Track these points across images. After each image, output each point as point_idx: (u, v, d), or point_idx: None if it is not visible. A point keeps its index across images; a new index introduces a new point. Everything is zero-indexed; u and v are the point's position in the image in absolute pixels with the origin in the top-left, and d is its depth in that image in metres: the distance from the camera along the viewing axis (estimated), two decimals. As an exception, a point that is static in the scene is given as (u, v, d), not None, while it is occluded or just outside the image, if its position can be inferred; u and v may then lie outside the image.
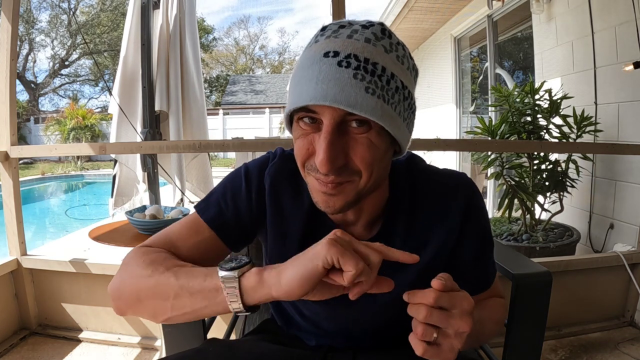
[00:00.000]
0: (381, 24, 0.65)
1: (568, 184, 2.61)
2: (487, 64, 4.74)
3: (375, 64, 0.61)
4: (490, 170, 2.85)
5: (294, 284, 0.57)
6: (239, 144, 2.25)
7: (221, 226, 0.80)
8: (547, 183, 2.65)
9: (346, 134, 0.63)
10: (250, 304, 0.63)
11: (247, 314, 0.64)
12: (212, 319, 1.13)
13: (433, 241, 0.79)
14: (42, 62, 33.46)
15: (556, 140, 2.58)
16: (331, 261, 0.55)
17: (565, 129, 2.55)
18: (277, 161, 0.82)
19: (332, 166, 0.62)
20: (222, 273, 0.62)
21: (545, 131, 2.61)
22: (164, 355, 0.85)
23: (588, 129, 2.51)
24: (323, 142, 0.61)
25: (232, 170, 0.86)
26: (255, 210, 0.81)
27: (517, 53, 5.05)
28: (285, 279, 0.58)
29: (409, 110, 0.67)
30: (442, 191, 0.80)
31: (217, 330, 1.19)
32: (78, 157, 14.09)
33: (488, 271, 0.87)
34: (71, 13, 22.59)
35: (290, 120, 0.70)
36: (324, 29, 0.67)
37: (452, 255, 0.81)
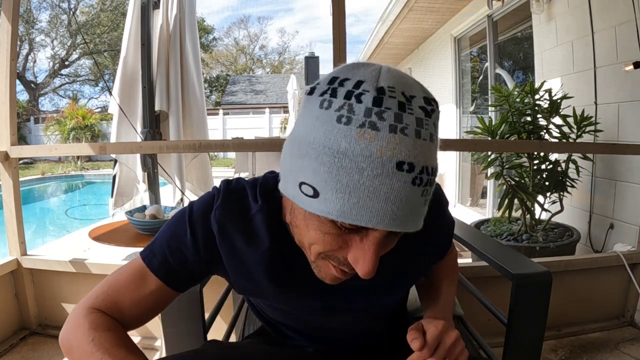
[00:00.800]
0: (435, 102, 0.55)
1: (568, 184, 2.61)
2: (487, 64, 4.74)
3: (435, 169, 0.54)
4: (490, 170, 2.85)
5: None
6: (239, 144, 2.25)
7: (169, 276, 0.75)
8: (547, 183, 2.65)
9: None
10: None
11: None
12: (212, 320, 1.13)
13: (419, 254, 0.81)
14: (42, 62, 33.51)
15: (556, 140, 2.58)
16: None
17: (565, 129, 2.56)
18: (220, 203, 0.74)
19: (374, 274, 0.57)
20: None
21: (545, 131, 2.61)
22: (164, 355, 0.85)
23: (588, 129, 2.51)
24: (372, 254, 0.55)
25: (177, 211, 0.79)
26: (205, 257, 0.75)
27: (517, 53, 5.05)
28: None
29: None
30: None
31: (217, 331, 1.19)
32: (78, 157, 14.09)
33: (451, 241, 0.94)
34: (71, 13, 22.59)
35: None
36: (381, 92, 0.51)
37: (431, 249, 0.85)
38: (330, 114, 0.51)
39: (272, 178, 0.75)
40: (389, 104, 0.50)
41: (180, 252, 0.75)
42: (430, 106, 0.53)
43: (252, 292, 0.81)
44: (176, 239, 0.75)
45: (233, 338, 1.28)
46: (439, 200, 0.80)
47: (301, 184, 0.54)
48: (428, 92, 0.56)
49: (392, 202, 0.50)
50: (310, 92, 0.56)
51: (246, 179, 0.79)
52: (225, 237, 0.74)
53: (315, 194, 0.52)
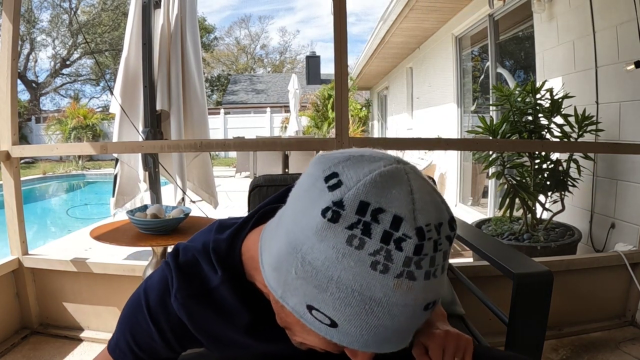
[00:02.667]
0: (455, 221, 0.53)
1: (569, 183, 2.61)
2: (488, 63, 4.74)
3: None
4: (491, 170, 2.85)
5: None
6: (240, 144, 2.25)
7: None
8: (548, 182, 2.64)
9: None
10: None
11: None
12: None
13: None
14: (43, 62, 33.52)
15: (557, 140, 2.58)
16: None
17: (567, 129, 2.55)
18: (177, 284, 0.68)
19: None
20: None
21: (546, 130, 2.60)
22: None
23: (589, 128, 2.51)
24: (373, 354, 0.54)
25: (131, 300, 0.73)
26: (177, 344, 0.72)
27: (518, 52, 5.05)
28: None
29: None
30: None
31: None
32: (79, 157, 14.09)
33: None
34: (72, 12, 22.61)
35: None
36: (421, 236, 0.47)
37: None
38: (363, 257, 0.46)
39: (223, 241, 0.69)
40: (427, 249, 0.47)
41: (149, 346, 0.71)
42: (453, 231, 0.51)
43: (236, 353, 0.77)
44: (141, 334, 0.70)
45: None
46: None
47: (312, 308, 0.50)
48: (448, 207, 0.53)
49: (411, 331, 0.52)
50: (333, 219, 0.47)
51: (193, 244, 0.72)
52: (196, 321, 0.68)
53: (333, 325, 0.49)
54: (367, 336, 0.49)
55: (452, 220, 0.51)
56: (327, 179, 0.50)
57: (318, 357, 0.69)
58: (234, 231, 0.70)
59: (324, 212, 0.47)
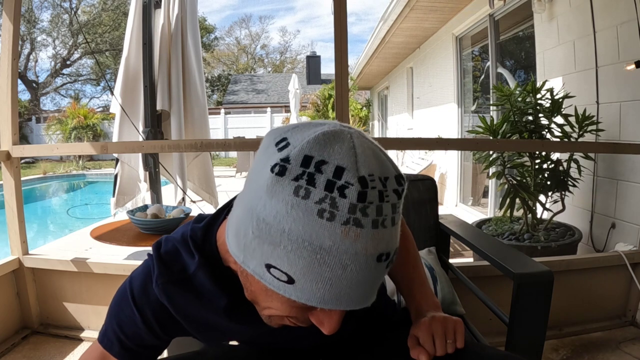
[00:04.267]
0: (403, 178, 0.55)
1: (570, 183, 2.60)
2: (489, 63, 4.74)
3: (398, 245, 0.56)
4: (491, 170, 2.85)
5: None
6: (240, 144, 2.25)
7: (133, 357, 0.75)
8: (548, 182, 2.64)
9: None
10: None
11: None
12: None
13: None
14: (43, 62, 33.61)
15: (558, 140, 2.58)
16: None
17: (567, 129, 2.55)
18: (157, 271, 0.71)
19: None
20: None
21: (546, 130, 2.60)
22: (164, 356, 0.85)
23: (590, 128, 2.51)
24: (338, 317, 0.56)
25: (118, 292, 0.77)
26: (161, 331, 0.74)
27: (519, 52, 5.05)
28: None
29: None
30: None
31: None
32: (80, 157, 14.09)
33: None
34: (73, 12, 22.63)
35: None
36: (364, 184, 0.49)
37: None
38: (310, 206, 0.48)
39: (199, 229, 0.72)
40: (372, 197, 0.49)
41: (135, 333, 0.73)
42: (401, 186, 0.53)
43: (220, 339, 0.81)
44: (126, 322, 0.73)
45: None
46: None
47: (270, 266, 0.51)
48: (396, 166, 0.55)
49: (369, 287, 0.53)
50: (280, 172, 0.50)
51: (174, 235, 0.76)
52: (177, 304, 0.71)
53: (290, 281, 0.51)
54: (324, 290, 0.50)
55: (399, 176, 0.54)
56: (277, 144, 0.53)
57: (296, 340, 0.74)
58: (210, 220, 0.73)
59: (272, 168, 0.50)
